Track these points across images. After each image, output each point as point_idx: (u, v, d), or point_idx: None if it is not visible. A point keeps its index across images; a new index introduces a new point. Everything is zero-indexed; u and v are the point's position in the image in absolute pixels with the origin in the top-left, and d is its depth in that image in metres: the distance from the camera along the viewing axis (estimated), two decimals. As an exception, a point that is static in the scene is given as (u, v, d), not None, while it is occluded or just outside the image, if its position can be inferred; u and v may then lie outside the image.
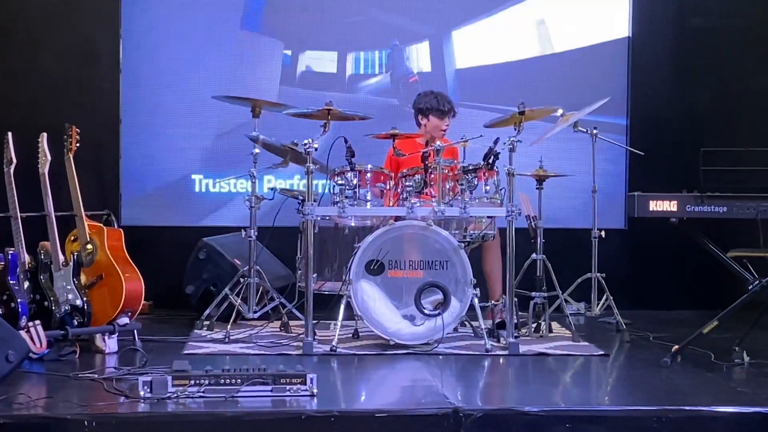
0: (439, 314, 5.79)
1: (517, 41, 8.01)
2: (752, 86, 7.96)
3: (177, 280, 7.11)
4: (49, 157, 6.02)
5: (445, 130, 6.72)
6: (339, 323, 5.86)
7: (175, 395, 4.42)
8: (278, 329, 6.42)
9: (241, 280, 6.42)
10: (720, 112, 7.92)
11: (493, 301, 6.36)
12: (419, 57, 7.99)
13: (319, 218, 6.00)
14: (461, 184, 6.00)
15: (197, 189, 7.79)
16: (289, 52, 7.88)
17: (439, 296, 5.84)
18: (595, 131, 7.00)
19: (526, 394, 5.11)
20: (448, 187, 6.04)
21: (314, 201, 5.86)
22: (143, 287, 6.08)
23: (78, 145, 6.13)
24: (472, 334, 6.23)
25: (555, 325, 6.62)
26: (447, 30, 7.99)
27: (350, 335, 6.16)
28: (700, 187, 5.44)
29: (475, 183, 6.03)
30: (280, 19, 7.91)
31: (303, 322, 5.85)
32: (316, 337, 5.87)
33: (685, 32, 7.97)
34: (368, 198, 6.08)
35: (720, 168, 5.50)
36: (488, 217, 6.20)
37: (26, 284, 5.85)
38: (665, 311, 7.52)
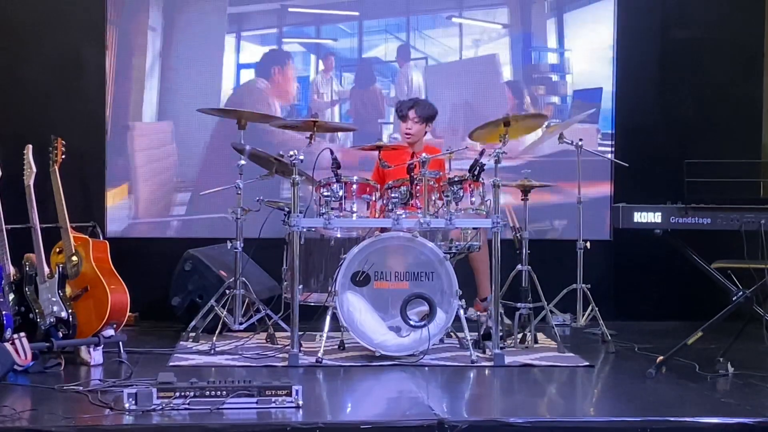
0: (424, 325, 5.79)
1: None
2: (736, 97, 7.99)
3: (163, 292, 7.10)
4: (34, 169, 6.01)
5: (407, 135, 6.82)
6: (325, 335, 5.86)
7: (160, 407, 4.42)
8: (264, 341, 6.42)
9: (227, 291, 6.41)
10: (704, 123, 7.95)
11: (479, 299, 6.40)
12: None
13: (305, 229, 6.01)
14: (447, 196, 6.02)
15: (183, 200, 7.78)
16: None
17: (425, 307, 5.84)
18: (580, 142, 7.02)
19: (512, 406, 5.12)
20: (433, 198, 6.06)
21: (300, 212, 5.86)
22: (129, 299, 6.07)
23: (64, 156, 6.13)
24: (458, 345, 6.23)
25: (540, 336, 6.63)
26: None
27: (336, 347, 6.16)
28: (684, 199, 5.47)
29: (461, 194, 6.06)
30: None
31: (289, 334, 5.84)
32: (301, 348, 5.88)
33: (669, 44, 8.00)
34: (354, 209, 6.10)
35: (704, 179, 5.52)
36: (474, 228, 6.23)
37: (11, 296, 5.84)
38: (650, 322, 7.53)
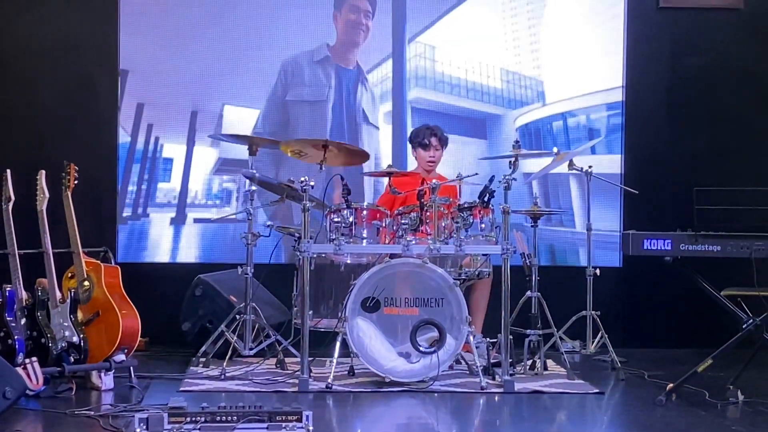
0: (434, 351, 5.80)
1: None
2: (746, 125, 8.01)
3: (173, 317, 7.11)
4: (47, 195, 6.03)
5: (431, 162, 6.83)
6: (335, 360, 5.87)
7: (172, 432, 4.43)
8: (274, 366, 6.43)
9: (237, 317, 6.43)
10: (714, 150, 7.96)
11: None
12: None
13: (315, 255, 6.03)
14: (457, 222, 6.04)
15: (194, 226, 7.82)
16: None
17: (435, 333, 5.85)
18: (589, 169, 7.04)
19: (522, 432, 5.12)
20: (443, 225, 6.08)
21: (310, 238, 5.89)
22: (140, 324, 6.09)
23: (76, 182, 6.16)
24: (468, 372, 6.23)
25: (550, 362, 6.62)
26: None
27: (346, 372, 6.17)
28: (694, 226, 5.48)
29: (471, 221, 6.08)
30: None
31: (299, 359, 5.85)
32: (311, 374, 5.88)
33: (679, 71, 8.03)
34: (364, 235, 6.12)
35: (714, 207, 5.53)
36: (483, 255, 6.25)
37: (23, 321, 5.85)
38: (660, 349, 7.53)
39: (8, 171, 6.06)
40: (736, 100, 8.01)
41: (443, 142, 6.97)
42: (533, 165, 7.33)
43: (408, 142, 7.15)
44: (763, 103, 8.03)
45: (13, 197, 6.02)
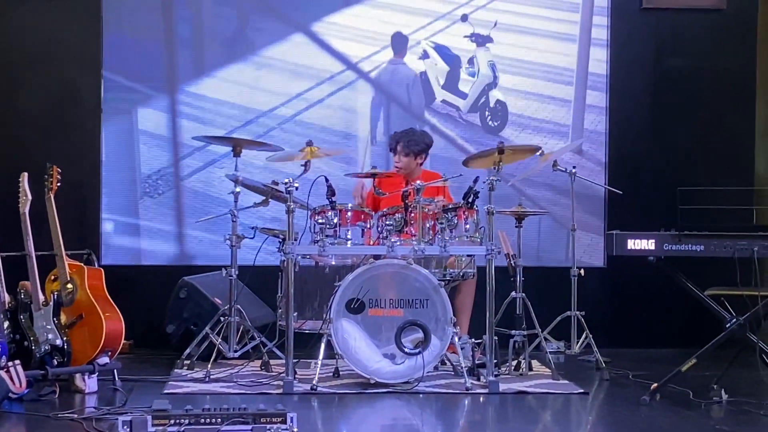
0: (419, 353, 5.80)
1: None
2: (729, 125, 8.04)
3: (158, 319, 7.10)
4: (29, 197, 6.01)
5: (396, 168, 6.84)
6: (319, 362, 5.86)
7: (155, 435, 4.42)
8: (259, 368, 6.42)
9: (222, 319, 6.41)
10: (697, 151, 7.99)
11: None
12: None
13: (299, 257, 6.01)
14: (441, 223, 6.04)
15: (179, 227, 7.80)
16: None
17: (420, 335, 5.85)
18: (573, 170, 7.05)
19: (506, 433, 5.13)
20: (428, 226, 6.08)
21: (294, 240, 5.88)
22: (123, 326, 6.08)
23: (59, 184, 6.14)
24: (453, 373, 6.24)
25: (535, 363, 6.64)
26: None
27: (331, 374, 6.16)
28: (677, 226, 5.49)
29: (455, 222, 6.08)
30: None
31: (283, 361, 5.85)
32: (296, 376, 5.87)
33: (662, 72, 8.05)
34: (348, 237, 6.12)
35: (697, 207, 5.55)
36: (468, 255, 6.25)
37: (6, 324, 5.82)
38: (644, 349, 7.54)
39: (-10, 173, 6.05)
40: (719, 101, 8.04)
41: (413, 152, 6.89)
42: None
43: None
44: (745, 103, 8.06)
45: (-5, 200, 6.00)
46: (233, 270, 6.39)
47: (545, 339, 6.70)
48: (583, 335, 6.85)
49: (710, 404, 5.45)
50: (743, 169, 7.98)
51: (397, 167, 6.90)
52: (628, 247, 5.52)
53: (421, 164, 6.95)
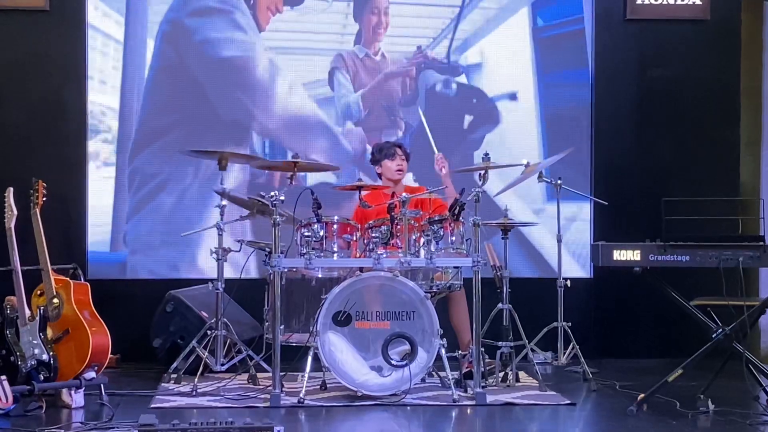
0: (406, 365, 5.80)
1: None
2: (713, 136, 8.06)
3: (144, 333, 7.08)
4: (15, 212, 6.01)
5: (399, 170, 6.83)
6: (306, 375, 5.86)
7: (142, 450, 4.41)
8: (246, 382, 6.41)
9: (209, 332, 6.40)
10: (682, 161, 8.01)
11: (460, 352, 6.37)
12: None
13: (286, 270, 6.02)
14: (427, 235, 6.05)
15: (164, 241, 7.78)
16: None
17: (407, 347, 5.85)
18: (559, 181, 7.07)
19: (494, 445, 5.13)
20: (414, 238, 6.09)
21: (281, 252, 5.88)
22: (110, 341, 6.07)
23: (45, 199, 6.13)
24: (440, 385, 6.24)
25: (522, 374, 6.65)
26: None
27: (318, 387, 6.16)
28: (663, 237, 5.51)
29: (441, 234, 6.09)
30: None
31: (270, 374, 5.85)
32: (283, 389, 5.87)
33: (646, 83, 8.07)
34: (335, 249, 6.12)
35: (682, 217, 5.57)
36: (454, 267, 6.25)
37: (-8, 339, 5.83)
38: (631, 360, 7.56)
39: (-25, 189, 6.04)
40: (704, 111, 8.06)
41: (408, 155, 6.95)
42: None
43: (371, 163, 7.07)
44: (730, 114, 8.09)
45: (-20, 215, 5.99)
46: (219, 283, 6.39)
47: (532, 350, 6.71)
48: (570, 346, 6.86)
49: (697, 414, 5.46)
50: (728, 180, 8.01)
51: (400, 170, 6.86)
52: (614, 258, 5.53)
53: None
